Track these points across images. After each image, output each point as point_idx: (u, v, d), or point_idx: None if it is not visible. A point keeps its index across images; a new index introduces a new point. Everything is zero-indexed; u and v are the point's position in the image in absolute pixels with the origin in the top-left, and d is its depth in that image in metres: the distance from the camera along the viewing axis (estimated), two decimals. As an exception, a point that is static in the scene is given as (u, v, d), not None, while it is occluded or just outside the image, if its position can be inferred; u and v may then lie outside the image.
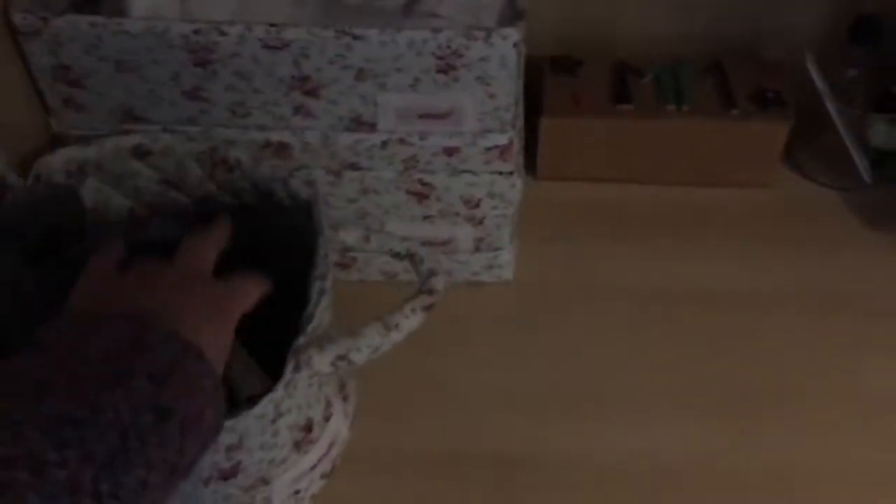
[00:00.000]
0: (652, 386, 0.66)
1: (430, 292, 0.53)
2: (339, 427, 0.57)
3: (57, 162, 0.57)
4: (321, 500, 0.58)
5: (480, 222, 0.67)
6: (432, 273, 0.54)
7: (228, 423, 0.45)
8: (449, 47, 0.55)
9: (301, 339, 0.48)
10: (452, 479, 0.61)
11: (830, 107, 0.75)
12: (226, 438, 0.46)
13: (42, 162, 0.56)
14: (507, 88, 0.58)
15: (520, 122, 0.65)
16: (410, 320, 0.52)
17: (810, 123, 0.78)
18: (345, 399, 0.59)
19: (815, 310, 0.70)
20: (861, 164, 0.77)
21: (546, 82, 0.78)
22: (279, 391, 0.47)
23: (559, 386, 0.66)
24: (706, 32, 0.80)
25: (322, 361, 0.48)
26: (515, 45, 0.55)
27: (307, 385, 0.51)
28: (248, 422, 0.46)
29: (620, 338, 0.69)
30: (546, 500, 0.59)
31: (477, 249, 0.70)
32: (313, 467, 0.55)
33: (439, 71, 0.56)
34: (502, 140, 0.61)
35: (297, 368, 0.48)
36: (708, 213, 0.78)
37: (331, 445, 0.57)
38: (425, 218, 0.67)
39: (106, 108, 0.61)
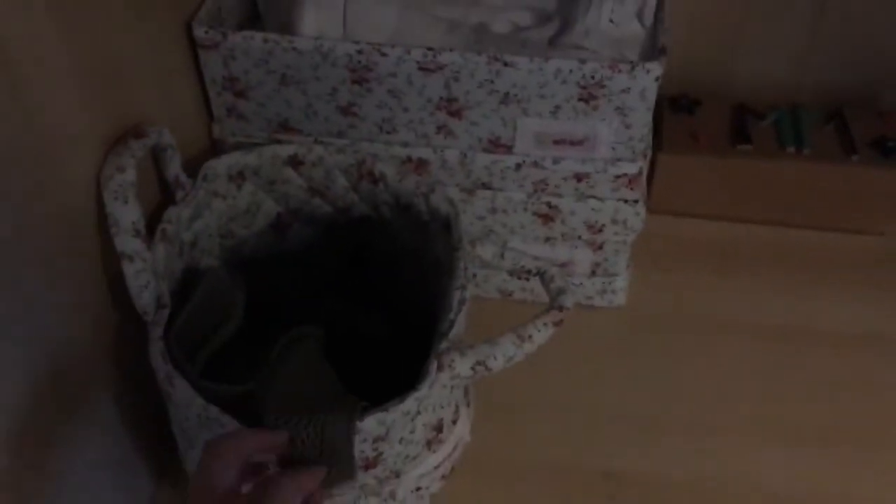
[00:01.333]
0: (754, 415, 0.67)
1: (560, 309, 0.56)
2: (463, 431, 0.60)
3: (221, 166, 0.62)
4: (438, 500, 0.61)
5: (600, 247, 0.70)
6: (562, 291, 0.57)
7: (380, 416, 0.49)
8: (593, 78, 0.58)
9: (444, 344, 0.52)
10: (558, 490, 0.63)
11: (951, 159, 0.76)
12: (375, 430, 0.49)
13: (209, 165, 0.61)
14: (644, 120, 0.61)
15: (648, 154, 0.68)
16: (542, 333, 0.54)
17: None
18: (468, 405, 0.62)
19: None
20: (979, 217, 0.78)
21: (664, 120, 0.80)
22: (424, 389, 0.50)
23: (665, 409, 0.68)
24: (824, 80, 0.82)
25: (463, 365, 0.51)
26: (657, 79, 0.58)
27: (443, 387, 0.54)
28: (396, 416, 0.49)
29: (725, 368, 0.71)
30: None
31: (593, 273, 0.72)
32: (437, 466, 0.58)
33: (581, 99, 0.60)
34: (633, 169, 0.64)
35: (440, 369, 0.51)
36: (820, 256, 0.79)
37: (455, 448, 0.59)
38: (547, 240, 0.70)
39: (264, 118, 0.66)
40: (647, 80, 0.58)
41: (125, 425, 0.59)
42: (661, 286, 0.77)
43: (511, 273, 0.69)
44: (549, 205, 0.67)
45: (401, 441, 0.52)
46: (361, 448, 0.50)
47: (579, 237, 0.69)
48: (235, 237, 0.65)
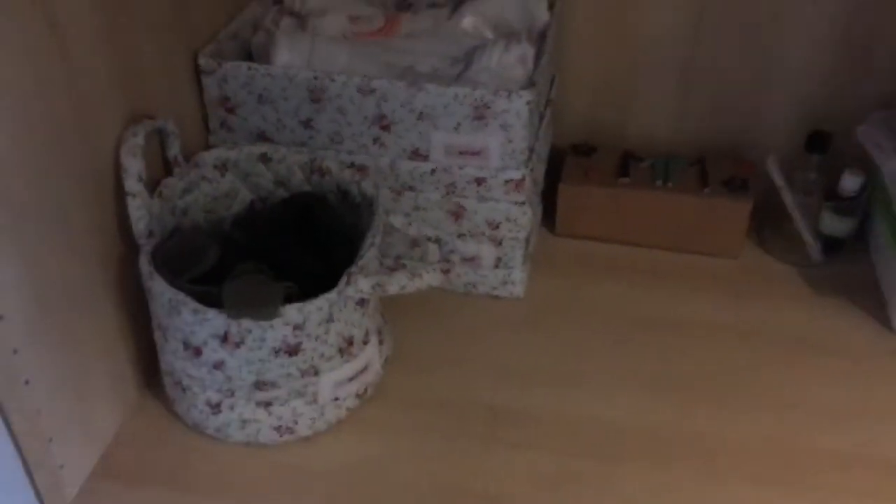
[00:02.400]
0: (613, 371, 0.85)
1: (447, 261, 0.76)
2: (373, 356, 0.78)
3: (210, 156, 0.84)
4: (357, 418, 0.79)
5: (500, 243, 0.90)
6: (451, 252, 0.77)
7: (299, 305, 0.68)
8: (482, 101, 0.80)
9: (353, 268, 0.72)
10: (450, 414, 0.81)
11: (787, 199, 0.96)
12: (294, 318, 0.68)
13: (200, 155, 0.83)
14: (522, 135, 0.82)
15: (538, 172, 0.89)
16: (430, 275, 0.74)
17: (774, 211, 0.98)
18: (381, 342, 0.81)
19: (750, 340, 0.89)
20: (812, 246, 0.97)
21: (566, 161, 1.02)
22: (334, 294, 0.70)
23: (543, 367, 0.86)
24: (696, 137, 1.04)
25: (365, 284, 0.71)
26: (528, 103, 0.80)
27: (353, 308, 0.73)
28: (311, 309, 0.69)
29: (597, 343, 0.89)
30: (525, 439, 0.78)
31: (496, 266, 0.92)
32: (351, 379, 0.76)
33: (475, 118, 0.82)
34: (517, 175, 0.85)
35: (348, 283, 0.70)
36: (686, 272, 0.98)
37: (366, 367, 0.78)
38: (459, 236, 0.90)
39: (247, 130, 0.88)
40: (521, 104, 0.80)
41: (122, 333, 0.78)
42: (556, 287, 0.96)
43: (415, 241, 0.88)
44: (458, 204, 0.88)
45: (317, 338, 0.71)
46: (284, 333, 0.69)
47: (483, 233, 0.90)
48: (216, 214, 0.86)
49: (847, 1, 0.93)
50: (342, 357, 0.75)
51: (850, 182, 0.93)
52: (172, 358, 0.74)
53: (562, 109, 1.05)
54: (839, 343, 0.89)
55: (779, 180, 0.96)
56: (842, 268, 0.98)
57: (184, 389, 0.76)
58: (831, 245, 0.98)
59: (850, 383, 0.84)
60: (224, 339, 0.69)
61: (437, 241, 0.78)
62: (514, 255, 0.91)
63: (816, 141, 0.95)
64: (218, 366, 0.71)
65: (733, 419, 0.80)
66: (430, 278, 0.74)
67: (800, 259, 0.98)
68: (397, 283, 0.72)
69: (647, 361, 0.87)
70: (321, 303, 0.70)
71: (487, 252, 0.91)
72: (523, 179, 0.85)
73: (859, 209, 0.96)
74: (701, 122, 1.04)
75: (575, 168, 1.01)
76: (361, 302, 0.74)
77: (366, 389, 0.80)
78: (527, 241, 0.92)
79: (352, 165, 0.87)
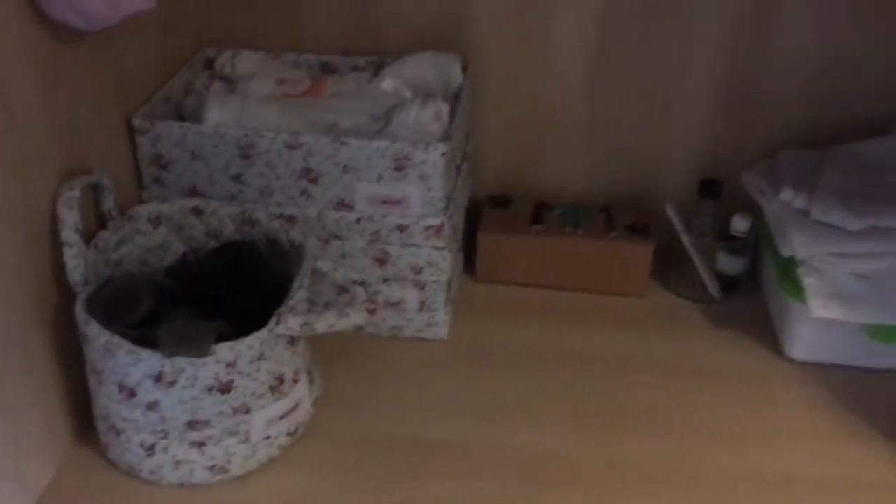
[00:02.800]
0: (532, 404, 0.91)
1: (373, 302, 0.81)
2: (303, 394, 0.82)
3: (143, 210, 0.88)
4: (289, 456, 0.82)
5: (423, 287, 0.96)
6: (376, 293, 0.82)
7: (230, 344, 0.72)
8: (402, 153, 0.87)
9: (283, 307, 0.76)
10: (388, 454, 0.85)
11: (686, 242, 1.05)
12: (226, 356, 0.72)
13: (134, 209, 0.87)
14: (440, 184, 0.89)
15: (457, 220, 0.95)
16: (358, 315, 0.79)
17: (675, 253, 1.07)
18: (311, 382, 0.85)
19: (659, 373, 0.96)
20: (710, 284, 1.05)
21: (485, 212, 1.09)
22: (265, 332, 0.74)
23: (466, 401, 0.91)
24: (603, 187, 1.13)
25: (295, 322, 0.75)
26: (443, 154, 0.87)
27: (284, 347, 0.77)
28: (242, 347, 0.73)
29: (521, 375, 0.95)
30: (452, 470, 0.83)
31: (420, 309, 0.97)
32: (282, 417, 0.80)
33: (395, 169, 0.88)
34: (437, 222, 0.91)
35: (278, 322, 0.75)
36: (597, 312, 1.05)
37: (297, 406, 0.81)
38: (384, 281, 0.96)
39: (180, 185, 0.93)
40: (437, 156, 0.87)
41: (55, 382, 0.80)
42: (478, 328, 1.02)
43: (339, 284, 0.92)
44: (382, 251, 0.94)
45: (249, 376, 0.75)
46: (217, 370, 0.72)
47: (406, 278, 0.95)
48: (150, 266, 0.90)
49: (731, 65, 1.03)
50: (273, 395, 0.78)
51: (739, 224, 1.03)
52: (107, 401, 0.77)
53: (479, 164, 1.13)
54: (737, 371, 0.97)
55: (677, 224, 1.05)
56: (738, 303, 1.06)
57: (118, 433, 0.78)
58: (727, 283, 1.06)
59: (748, 406, 0.91)
60: (158, 378, 0.72)
61: (363, 283, 0.83)
62: (437, 298, 0.97)
63: (708, 188, 1.05)
64: (152, 406, 0.74)
65: (642, 444, 0.86)
66: (357, 317, 0.79)
67: (700, 296, 1.07)
68: (325, 322, 0.77)
69: (564, 394, 0.93)
70: (252, 341, 0.74)
71: (411, 296, 0.97)
72: (442, 226, 0.91)
73: (749, 248, 1.05)
74: (606, 173, 1.13)
75: (492, 217, 1.08)
76: (292, 341, 0.79)
77: (297, 428, 0.83)
78: (448, 284, 0.98)
79: (281, 216, 0.92)
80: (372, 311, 0.80)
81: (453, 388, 0.93)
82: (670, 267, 1.10)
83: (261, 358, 0.75)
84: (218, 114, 0.91)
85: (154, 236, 0.89)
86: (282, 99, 0.97)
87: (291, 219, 0.93)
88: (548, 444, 0.86)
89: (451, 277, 0.99)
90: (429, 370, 0.96)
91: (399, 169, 0.88)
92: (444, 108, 0.92)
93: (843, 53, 1.01)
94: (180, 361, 0.72)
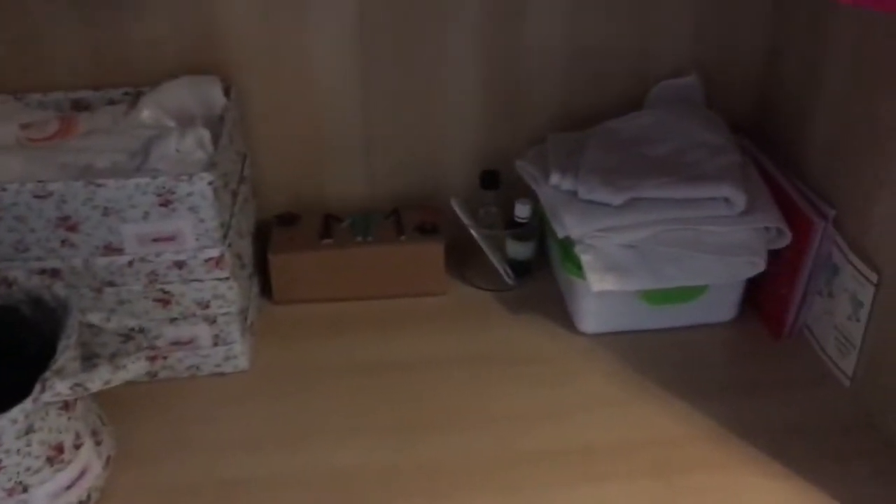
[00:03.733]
0: (354, 422, 0.90)
1: (153, 348, 0.77)
2: (90, 459, 0.77)
3: None
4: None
5: (214, 321, 0.92)
6: (156, 337, 0.78)
7: (-10, 421, 0.66)
8: (165, 188, 0.83)
9: (46, 373, 0.70)
10: (193, 500, 0.81)
11: (475, 234, 1.07)
12: (-12, 436, 0.66)
13: None
14: (212, 214, 0.85)
15: (241, 247, 0.92)
16: (136, 365, 0.74)
17: (468, 246, 1.09)
18: (98, 443, 0.79)
19: (470, 366, 0.97)
20: (503, 271, 1.08)
21: (273, 232, 1.07)
22: (28, 403, 0.68)
23: (280, 429, 0.89)
24: (388, 192, 1.13)
25: (63, 385, 0.70)
26: (210, 183, 0.84)
27: (57, 414, 0.72)
28: (4, 423, 0.67)
29: (330, 393, 0.93)
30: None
31: (216, 344, 0.94)
32: (69, 487, 0.74)
33: (161, 205, 0.84)
34: (216, 253, 0.88)
35: (42, 390, 0.69)
36: (398, 314, 1.06)
37: (83, 473, 0.76)
38: (171, 321, 0.91)
39: (-81, 253, 0.84)
40: (202, 186, 0.84)
41: None
42: (281, 353, 0.99)
43: (118, 333, 0.88)
44: (163, 291, 0.89)
45: (18, 452, 0.69)
46: (-21, 453, 0.66)
47: (195, 314, 0.91)
48: None
49: (491, 60, 1.06)
50: (53, 466, 0.73)
51: (521, 210, 1.06)
52: None
53: (261, 184, 1.10)
54: (538, 353, 1.00)
55: (465, 218, 1.07)
56: (532, 286, 1.10)
57: None
58: (520, 268, 1.10)
59: (551, 385, 0.95)
60: None
61: (141, 330, 0.78)
62: (231, 330, 0.93)
63: (488, 179, 1.08)
64: None
65: (460, 442, 0.87)
66: (136, 367, 0.74)
67: (497, 285, 1.10)
68: (100, 379, 0.72)
69: (376, 405, 0.92)
70: (15, 414, 0.68)
71: (203, 332, 0.93)
72: (222, 256, 0.88)
73: (534, 232, 1.09)
74: (390, 178, 1.13)
75: (281, 237, 1.06)
76: (66, 405, 0.73)
77: (89, 495, 0.77)
78: (243, 313, 0.94)
79: (43, 272, 0.86)
80: (153, 359, 0.76)
81: (260, 419, 0.91)
82: (465, 261, 1.12)
83: (30, 431, 0.69)
84: (-48, 170, 0.83)
85: None
86: (27, 145, 0.90)
87: (55, 272, 0.86)
88: (365, 460, 0.85)
89: (245, 306, 0.96)
90: (233, 405, 0.92)
91: (165, 204, 0.84)
92: (206, 135, 0.89)
93: (593, 40, 1.07)
94: (-68, 452, 0.65)
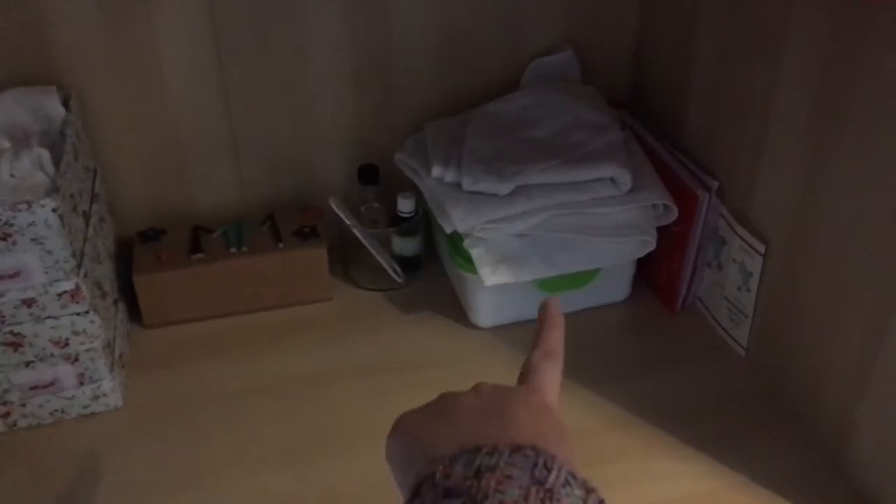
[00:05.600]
0: (244, 449, 0.83)
1: (4, 403, 0.68)
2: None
3: None
4: None
5: (76, 359, 0.83)
6: (7, 391, 0.69)
7: None
8: (2, 220, 0.73)
9: None
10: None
11: (358, 233, 1.01)
12: None
13: None
14: (61, 244, 0.76)
15: (100, 273, 0.83)
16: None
17: (351, 247, 1.03)
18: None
19: (364, 375, 0.92)
20: (391, 270, 1.03)
21: (135, 250, 0.97)
22: None
23: (162, 468, 0.81)
24: (261, 197, 1.06)
25: None
26: (54, 209, 0.74)
27: None
28: None
29: (216, 421, 0.86)
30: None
31: (81, 384, 0.84)
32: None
33: (0, 239, 0.74)
34: (70, 286, 0.79)
35: None
36: (284, 326, 0.99)
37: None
38: (27, 364, 0.81)
39: None
40: (47, 213, 0.74)
41: None
42: (158, 382, 0.91)
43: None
44: (13, 333, 0.79)
45: None
46: None
47: (52, 355, 0.82)
48: None
49: (358, 51, 1.00)
50: None
51: (404, 204, 1.01)
52: None
53: (118, 200, 1.00)
54: (433, 352, 0.95)
55: (345, 218, 1.01)
56: (423, 283, 1.06)
57: None
58: (408, 264, 1.05)
59: (454, 386, 0.89)
60: None
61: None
62: (97, 366, 0.84)
63: (366, 174, 1.02)
64: None
65: (359, 460, 0.81)
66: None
67: (386, 285, 1.04)
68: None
69: (268, 429, 0.86)
70: None
71: (65, 372, 0.83)
72: (78, 288, 0.79)
73: (420, 227, 1.04)
74: (261, 183, 1.05)
75: (145, 256, 0.97)
76: None
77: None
78: (108, 347, 0.86)
79: None
80: (5, 416, 0.67)
81: (141, 462, 0.82)
82: (350, 262, 1.06)
83: None
84: None
85: None
86: None
87: None
88: (261, 490, 0.79)
89: (110, 337, 0.87)
90: (107, 448, 0.83)
91: (3, 238, 0.74)
92: (45, 154, 0.79)
93: (463, 21, 1.02)
94: None
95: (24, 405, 0.83)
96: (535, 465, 0.38)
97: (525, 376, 0.50)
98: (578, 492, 0.38)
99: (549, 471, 0.38)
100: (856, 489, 0.78)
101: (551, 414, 0.47)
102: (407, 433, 0.47)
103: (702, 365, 0.93)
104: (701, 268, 0.97)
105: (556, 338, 0.52)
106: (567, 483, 0.38)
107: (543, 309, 0.54)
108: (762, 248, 0.86)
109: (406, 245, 1.04)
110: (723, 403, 0.88)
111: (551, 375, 0.50)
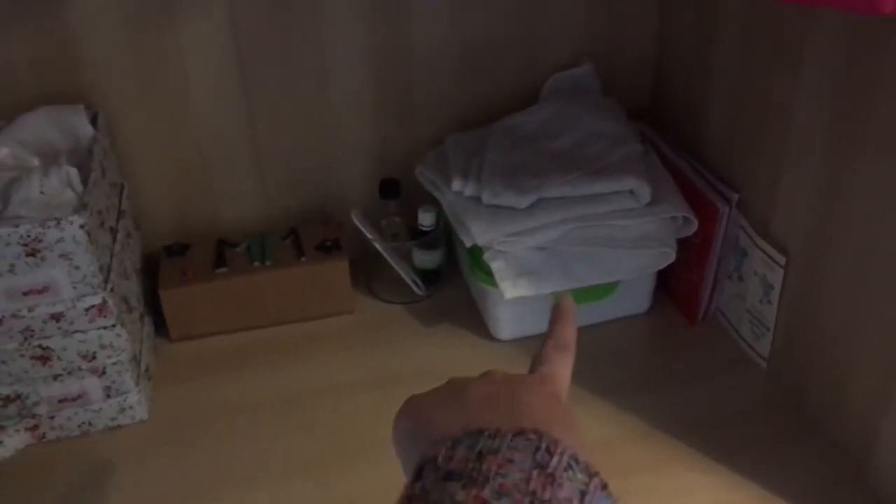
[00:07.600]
0: (270, 461, 0.84)
1: (34, 416, 0.69)
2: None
3: None
4: None
5: (103, 372, 0.84)
6: (36, 404, 0.70)
7: None
8: (30, 236, 0.75)
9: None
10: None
11: (379, 246, 1.03)
12: None
13: None
14: (88, 260, 0.78)
15: (126, 288, 0.85)
16: (15, 439, 0.67)
17: (373, 260, 1.04)
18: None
19: (385, 387, 0.92)
20: (412, 283, 1.04)
21: (161, 265, 0.99)
22: None
23: (188, 484, 0.82)
24: (283, 212, 1.07)
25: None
26: (82, 226, 0.76)
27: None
28: None
29: (241, 434, 0.87)
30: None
31: (108, 397, 0.86)
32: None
33: (28, 255, 0.76)
34: (97, 300, 0.80)
35: None
36: (308, 339, 1.00)
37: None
38: (55, 378, 0.83)
39: None
40: (75, 230, 0.76)
41: None
42: (184, 395, 0.92)
43: (8, 397, 0.79)
44: (41, 347, 0.81)
45: None
46: None
47: (80, 368, 0.83)
48: None
49: (379, 64, 1.01)
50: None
51: (425, 218, 1.02)
52: None
53: (144, 216, 1.02)
54: (454, 364, 0.94)
55: (367, 231, 1.02)
56: (444, 295, 1.06)
57: None
58: (429, 277, 1.06)
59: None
60: None
61: (18, 397, 0.71)
62: (124, 379, 0.86)
63: (388, 188, 1.03)
64: None
65: (379, 472, 0.82)
66: (15, 442, 0.67)
67: (407, 298, 1.05)
68: (-26, 461, 0.64)
69: (291, 441, 0.87)
70: None
71: (93, 385, 0.85)
72: (105, 303, 0.81)
73: (440, 241, 1.05)
74: (284, 197, 1.07)
75: (171, 270, 0.99)
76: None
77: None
78: (134, 360, 0.87)
79: None
80: (34, 428, 0.69)
81: (164, 473, 0.83)
82: (371, 275, 1.07)
83: None
84: None
85: None
86: None
87: (-86, 339, 0.77)
88: (283, 502, 0.80)
89: (136, 351, 0.88)
90: (133, 460, 0.85)
91: (33, 254, 0.76)
92: (73, 172, 0.81)
93: (481, 35, 1.03)
94: None
95: (52, 418, 0.85)
96: (538, 448, 0.38)
97: (536, 366, 0.51)
98: (581, 476, 0.38)
99: (551, 455, 0.38)
100: (879, 501, 0.78)
101: (560, 403, 0.47)
102: (414, 415, 0.48)
103: (723, 377, 0.93)
104: (722, 280, 0.97)
105: (568, 332, 0.53)
106: (569, 467, 0.38)
107: (556, 305, 0.54)
108: (783, 260, 0.86)
109: (427, 258, 1.05)
110: (744, 416, 0.88)
111: (562, 366, 0.51)
